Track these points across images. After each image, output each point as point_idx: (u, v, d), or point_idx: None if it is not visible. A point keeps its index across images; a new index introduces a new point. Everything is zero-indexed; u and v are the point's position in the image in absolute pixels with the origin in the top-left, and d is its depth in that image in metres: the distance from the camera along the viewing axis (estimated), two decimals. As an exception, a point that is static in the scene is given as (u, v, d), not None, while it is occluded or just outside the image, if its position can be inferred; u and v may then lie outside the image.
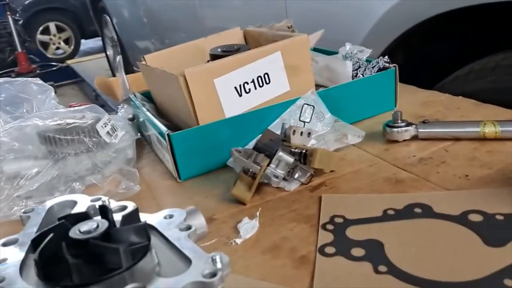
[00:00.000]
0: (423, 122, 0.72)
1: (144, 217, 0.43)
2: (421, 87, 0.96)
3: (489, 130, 0.67)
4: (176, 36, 2.14)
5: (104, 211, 0.40)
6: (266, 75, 0.76)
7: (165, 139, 0.71)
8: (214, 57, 0.82)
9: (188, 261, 0.38)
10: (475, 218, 0.53)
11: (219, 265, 0.37)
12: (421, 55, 1.11)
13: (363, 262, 0.49)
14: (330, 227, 0.55)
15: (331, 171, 0.68)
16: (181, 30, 2.16)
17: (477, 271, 0.45)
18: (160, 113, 0.90)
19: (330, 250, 0.51)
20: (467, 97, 0.86)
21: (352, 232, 0.54)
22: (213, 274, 0.36)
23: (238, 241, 0.56)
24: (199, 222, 0.46)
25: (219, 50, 0.84)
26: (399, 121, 0.72)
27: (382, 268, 0.47)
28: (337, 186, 0.65)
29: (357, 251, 0.50)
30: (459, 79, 0.96)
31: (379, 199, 0.60)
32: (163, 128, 0.72)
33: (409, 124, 0.72)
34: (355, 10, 1.14)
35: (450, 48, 1.10)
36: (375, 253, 0.50)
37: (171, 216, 0.45)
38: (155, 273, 0.37)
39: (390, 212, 0.56)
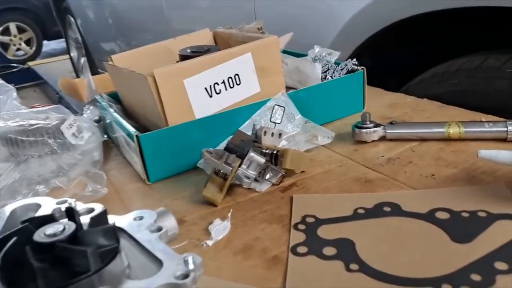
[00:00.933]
0: (391, 123, 0.74)
1: (113, 219, 0.42)
2: (387, 90, 0.98)
3: (454, 131, 0.69)
4: (142, 38, 2.10)
5: (71, 213, 0.39)
6: (236, 76, 0.75)
7: (133, 140, 0.69)
8: (183, 57, 0.81)
9: (159, 263, 0.37)
10: (442, 215, 0.54)
11: (191, 266, 0.36)
12: (387, 59, 1.14)
13: (335, 261, 0.49)
14: (301, 227, 0.55)
15: (302, 171, 0.68)
16: (148, 31, 2.12)
17: (445, 267, 0.46)
18: (128, 114, 0.88)
19: (302, 249, 0.51)
20: (432, 99, 0.88)
21: (324, 232, 0.54)
22: (186, 275, 0.35)
23: (209, 242, 0.55)
24: (170, 223, 0.45)
25: (188, 50, 0.83)
26: (368, 122, 0.73)
27: (354, 266, 0.48)
28: (308, 186, 0.65)
29: (329, 250, 0.51)
30: (423, 82, 0.99)
31: (349, 198, 0.60)
32: (131, 129, 0.71)
33: (377, 125, 0.73)
34: (323, 14, 1.16)
35: (415, 52, 1.13)
36: (346, 251, 0.50)
37: (141, 218, 0.44)
38: (125, 276, 0.36)
39: (360, 211, 0.57)
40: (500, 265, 0.45)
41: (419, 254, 0.48)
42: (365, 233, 0.53)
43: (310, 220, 0.56)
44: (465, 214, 0.53)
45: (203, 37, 0.97)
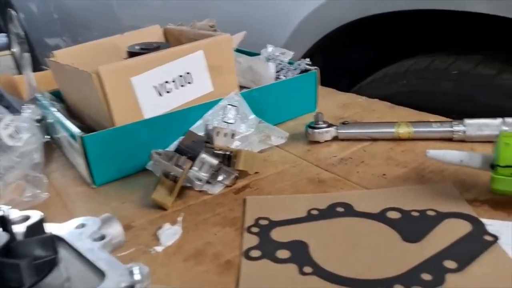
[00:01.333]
0: (343, 123, 0.74)
1: (52, 227, 0.39)
2: (339, 90, 0.99)
3: (403, 131, 0.71)
4: (89, 34, 2.02)
5: (3, 222, 0.36)
6: (188, 75, 0.73)
7: (77, 141, 0.65)
8: (131, 54, 0.78)
9: (102, 274, 0.35)
10: (393, 215, 0.54)
11: (137, 277, 0.34)
12: (339, 59, 1.15)
13: (288, 264, 0.48)
14: (255, 230, 0.54)
15: (255, 172, 0.67)
16: (95, 28, 2.05)
17: (397, 267, 0.46)
18: (71, 114, 0.83)
19: (255, 253, 0.50)
20: (382, 99, 0.90)
21: (277, 234, 0.53)
22: (131, 287, 0.33)
23: (159, 248, 0.52)
24: (115, 230, 0.43)
25: (137, 47, 0.80)
26: (321, 123, 0.73)
27: (307, 269, 0.47)
28: (262, 187, 0.64)
29: (283, 253, 0.50)
30: (374, 82, 1.01)
31: (303, 199, 0.60)
32: (75, 130, 0.67)
33: (330, 125, 0.74)
34: (276, 14, 1.15)
35: (366, 53, 1.15)
36: (300, 254, 0.49)
37: (83, 226, 0.41)
38: (64, 290, 0.33)
39: (314, 212, 0.56)
40: (449, 264, 0.45)
41: (372, 255, 0.48)
42: (319, 235, 0.52)
43: (263, 222, 0.55)
44: (415, 213, 0.54)
45: (153, 33, 0.93)
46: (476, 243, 0.48)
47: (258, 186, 0.64)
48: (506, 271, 0.44)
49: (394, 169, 0.65)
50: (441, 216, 0.53)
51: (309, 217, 0.56)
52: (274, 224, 0.55)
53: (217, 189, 0.64)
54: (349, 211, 0.56)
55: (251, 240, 0.52)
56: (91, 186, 0.68)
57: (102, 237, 0.40)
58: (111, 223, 0.43)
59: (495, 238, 0.48)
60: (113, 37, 0.90)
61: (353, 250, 0.49)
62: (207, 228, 0.56)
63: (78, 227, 0.41)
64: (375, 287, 0.44)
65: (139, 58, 0.70)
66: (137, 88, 0.69)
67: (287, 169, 0.68)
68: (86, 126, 0.76)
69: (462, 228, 0.51)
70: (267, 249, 0.51)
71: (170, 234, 0.54)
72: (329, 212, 0.56)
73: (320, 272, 0.47)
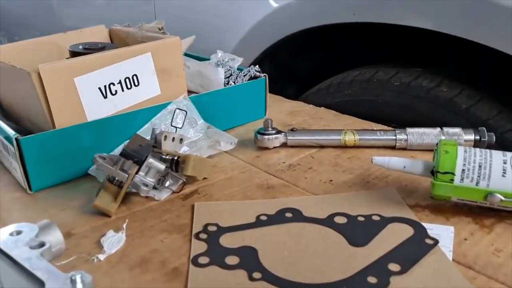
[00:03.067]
0: (292, 130, 0.75)
1: (-18, 235, 0.36)
2: (286, 98, 1.00)
3: (349, 138, 0.73)
4: (28, 34, 1.91)
5: None
6: (134, 77, 0.71)
7: (12, 144, 0.61)
8: (74, 54, 0.74)
9: (41, 284, 0.32)
10: (340, 220, 0.55)
11: (79, 286, 0.32)
12: (287, 67, 1.17)
13: (237, 270, 0.47)
14: (203, 236, 0.53)
15: (204, 178, 0.65)
16: (34, 27, 1.95)
17: (344, 270, 0.47)
18: (6, 115, 0.78)
19: (203, 260, 0.49)
20: (328, 108, 0.92)
21: (226, 240, 0.52)
22: (73, 297, 0.31)
23: (102, 257, 0.50)
24: (54, 237, 0.40)
25: (80, 47, 0.77)
26: (270, 129, 0.74)
27: (257, 275, 0.47)
28: (210, 193, 0.63)
29: (232, 259, 0.49)
30: (320, 91, 1.03)
31: (252, 205, 0.59)
32: (10, 132, 0.62)
33: (278, 132, 0.74)
34: (225, 20, 1.15)
35: (313, 62, 1.18)
36: (249, 260, 0.49)
37: (19, 233, 0.38)
38: (-3, 303, 0.31)
39: (263, 217, 0.56)
40: (394, 267, 0.47)
41: (320, 259, 0.49)
42: (268, 240, 0.52)
43: (212, 228, 0.54)
44: (361, 218, 0.55)
45: (98, 34, 0.90)
46: (418, 247, 0.50)
47: (207, 192, 0.63)
48: (446, 272, 0.46)
49: (341, 175, 0.66)
50: (385, 221, 0.55)
51: (258, 223, 0.55)
52: (223, 230, 0.54)
53: (164, 195, 0.62)
54: (298, 216, 0.57)
55: (199, 246, 0.51)
56: (28, 192, 0.64)
57: (41, 245, 0.37)
58: (50, 229, 0.41)
59: (436, 241, 0.50)
60: (55, 35, 0.85)
61: (302, 255, 0.50)
62: (154, 235, 0.54)
63: (13, 234, 0.38)
64: (324, 291, 0.44)
65: (84, 58, 0.67)
66: (81, 89, 0.66)
67: (236, 175, 0.67)
68: (23, 129, 0.72)
69: (405, 232, 0.52)
70: (216, 255, 0.50)
71: (114, 241, 0.52)
72: (278, 218, 0.56)
73: (269, 278, 0.46)
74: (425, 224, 0.53)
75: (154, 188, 0.61)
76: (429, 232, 0.52)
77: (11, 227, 0.39)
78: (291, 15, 1.01)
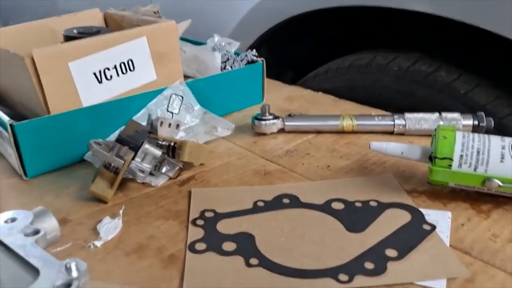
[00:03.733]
0: (289, 115, 0.74)
1: (-24, 222, 0.36)
2: (284, 83, 0.99)
3: (347, 123, 0.72)
4: (22, 19, 1.89)
5: None
6: (130, 62, 0.70)
7: (7, 130, 0.60)
8: (68, 38, 0.73)
9: (35, 271, 0.32)
10: (337, 206, 0.55)
11: (74, 274, 0.32)
12: (284, 52, 1.15)
13: (234, 257, 0.47)
14: (200, 222, 0.53)
15: (201, 164, 0.65)
16: (28, 11, 1.92)
17: (341, 256, 0.47)
18: (1, 100, 0.77)
19: (200, 246, 0.49)
20: (326, 93, 0.91)
21: (223, 226, 0.52)
22: (68, 285, 0.31)
23: (98, 243, 0.50)
24: (49, 224, 0.40)
25: (75, 31, 0.75)
26: (267, 115, 0.73)
27: (254, 261, 0.47)
28: (207, 179, 0.62)
29: (229, 246, 0.49)
30: (318, 76, 1.02)
31: (249, 191, 0.59)
32: (5, 118, 0.62)
33: (276, 117, 0.74)
34: (222, 4, 1.14)
35: (311, 47, 1.16)
36: (246, 246, 0.49)
37: (13, 220, 0.38)
38: (-9, 290, 0.30)
39: (260, 203, 0.56)
40: (391, 252, 0.47)
41: (317, 245, 0.49)
42: (265, 226, 0.52)
43: (209, 214, 0.54)
44: (358, 204, 0.55)
45: (93, 17, 0.88)
46: (416, 232, 0.50)
47: (204, 178, 0.63)
48: (443, 258, 0.46)
49: (338, 161, 0.66)
50: (383, 207, 0.54)
51: (255, 209, 0.55)
52: (220, 216, 0.54)
53: (160, 181, 0.61)
54: (295, 202, 0.56)
55: (196, 232, 0.51)
56: (23, 178, 0.63)
57: (36, 232, 0.37)
58: (45, 216, 0.40)
59: (433, 227, 0.50)
60: (49, 19, 0.84)
61: (299, 241, 0.50)
62: (150, 222, 0.54)
63: (7, 221, 0.38)
64: (321, 277, 0.44)
65: (78, 42, 0.66)
66: (75, 74, 0.65)
67: (233, 161, 0.67)
68: (17, 114, 0.71)
69: (402, 218, 0.52)
70: (213, 241, 0.49)
71: (110, 228, 0.52)
72: (275, 204, 0.56)
73: (266, 264, 0.46)
74: (422, 210, 0.53)
75: (151, 174, 0.60)
76: (427, 217, 0.52)
77: (6, 214, 0.38)
78: (289, -1, 1.00)
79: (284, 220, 0.53)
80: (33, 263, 0.33)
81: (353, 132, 0.73)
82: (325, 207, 0.55)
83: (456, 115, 0.70)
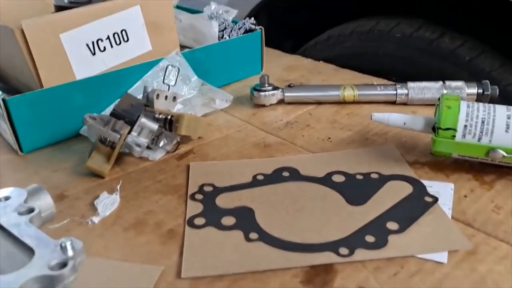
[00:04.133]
0: (289, 86, 0.73)
1: (-32, 201, 0.35)
2: (284, 52, 0.97)
3: (348, 93, 0.70)
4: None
5: None
6: (123, 32, 0.67)
7: (0, 105, 0.59)
8: (59, 9, 0.70)
9: (30, 251, 0.31)
10: (338, 179, 0.54)
11: (70, 253, 0.31)
12: (284, 20, 1.12)
13: (234, 231, 0.47)
14: (199, 196, 0.52)
15: (199, 137, 0.64)
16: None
17: (342, 230, 0.46)
18: (-5, 74, 0.75)
19: (199, 221, 0.48)
20: (327, 61, 0.89)
21: (222, 201, 0.51)
22: (63, 264, 0.30)
23: (96, 219, 0.49)
24: (44, 202, 0.39)
25: (66, 1, 0.73)
26: (266, 85, 0.71)
27: (253, 235, 0.46)
28: (206, 153, 0.61)
29: (228, 220, 0.48)
30: (319, 44, 1.00)
31: (248, 164, 0.58)
32: (-3, 92, 0.60)
33: (275, 88, 0.72)
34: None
35: (311, 14, 1.13)
36: (245, 220, 0.48)
37: (7, 198, 0.37)
38: (-15, 272, 0.30)
39: (260, 177, 0.55)
40: (392, 225, 0.46)
41: (317, 219, 0.48)
42: (265, 200, 0.51)
43: (208, 189, 0.53)
44: (359, 177, 0.54)
45: (84, -14, 0.85)
46: (417, 205, 0.49)
47: (202, 151, 0.62)
48: (445, 230, 0.45)
49: (339, 133, 0.65)
50: (384, 179, 0.54)
51: (254, 183, 0.54)
52: (219, 190, 0.53)
53: (158, 155, 0.61)
54: (295, 175, 0.56)
55: (195, 207, 0.50)
56: (19, 153, 0.62)
57: (30, 210, 0.36)
58: (40, 194, 0.39)
59: (435, 199, 0.49)
60: (38, -12, 0.81)
61: (299, 215, 0.49)
62: (148, 196, 0.53)
63: (1, 200, 0.37)
64: (321, 251, 0.44)
65: (68, 12, 0.63)
66: (67, 45, 0.63)
67: (232, 134, 0.66)
68: (11, 88, 0.69)
69: (404, 190, 0.51)
70: (212, 216, 0.49)
71: (108, 203, 0.51)
72: (275, 177, 0.55)
73: (266, 238, 0.46)
74: (424, 182, 0.52)
75: (148, 148, 0.59)
76: (429, 189, 0.51)
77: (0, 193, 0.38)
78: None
79: (284, 193, 0.53)
80: (28, 242, 0.32)
81: (354, 102, 0.71)
82: (326, 180, 0.54)
83: (460, 83, 0.68)
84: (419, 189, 0.51)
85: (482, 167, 0.54)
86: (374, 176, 0.54)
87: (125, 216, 0.50)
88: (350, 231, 0.46)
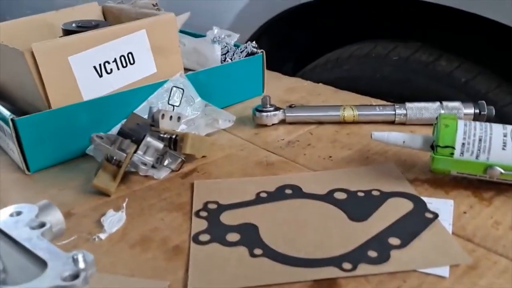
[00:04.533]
0: (290, 106, 0.74)
1: (-18, 216, 0.36)
2: (284, 74, 0.99)
3: (348, 114, 0.72)
4: (19, 13, 1.88)
5: None
6: (130, 55, 0.70)
7: (8, 125, 0.60)
8: (67, 32, 0.73)
9: (43, 263, 0.32)
10: (340, 196, 0.55)
11: (81, 265, 0.32)
12: (284, 43, 1.15)
13: (238, 247, 0.48)
14: (203, 214, 0.53)
15: (203, 156, 0.65)
16: (25, 5, 1.91)
17: (344, 245, 0.47)
18: (1, 95, 0.77)
19: (204, 237, 0.49)
20: (326, 84, 0.91)
21: (227, 218, 0.52)
22: (75, 276, 0.31)
23: (102, 236, 0.50)
24: (54, 217, 0.40)
25: (74, 25, 0.75)
26: (268, 106, 0.73)
27: (258, 251, 0.47)
28: (209, 171, 0.62)
29: (232, 236, 0.49)
30: (318, 67, 1.02)
31: (251, 182, 0.59)
32: (6, 113, 0.62)
33: (277, 108, 0.74)
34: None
35: (311, 37, 1.16)
36: (250, 236, 0.49)
37: (19, 213, 0.38)
38: (1, 282, 0.31)
39: (263, 194, 0.56)
40: (394, 241, 0.47)
41: (320, 234, 0.49)
42: (268, 217, 0.52)
43: (212, 206, 0.54)
44: (360, 194, 0.56)
45: (91, 11, 0.88)
46: (418, 221, 0.50)
47: (206, 170, 0.63)
48: (445, 245, 0.46)
49: (340, 151, 0.66)
50: (385, 196, 0.55)
51: (258, 200, 0.55)
52: (223, 207, 0.54)
53: (163, 174, 0.62)
54: (298, 192, 0.57)
55: (199, 224, 0.51)
56: (26, 173, 0.64)
57: (41, 225, 0.37)
58: (50, 210, 0.40)
59: (436, 215, 0.50)
60: (46, 13, 0.84)
61: (302, 231, 0.50)
62: (154, 214, 0.54)
63: (13, 215, 0.38)
64: (324, 266, 0.45)
65: (77, 36, 0.66)
66: (76, 68, 0.65)
67: (235, 153, 0.67)
68: (19, 109, 0.71)
69: (404, 206, 0.52)
70: (217, 232, 0.50)
71: (114, 220, 0.52)
72: (278, 194, 0.56)
73: (271, 254, 0.47)
74: (424, 198, 0.53)
75: (153, 167, 0.60)
76: (429, 206, 0.52)
77: (11, 208, 0.38)
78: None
79: (287, 210, 0.54)
80: (40, 255, 0.33)
81: (354, 122, 0.73)
82: (328, 197, 0.55)
83: (457, 103, 0.70)
84: (420, 206, 0.52)
85: (481, 184, 0.55)
86: (375, 193, 0.55)
87: (131, 233, 0.51)
88: (353, 246, 0.47)
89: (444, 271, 0.43)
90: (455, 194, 0.54)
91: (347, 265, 0.44)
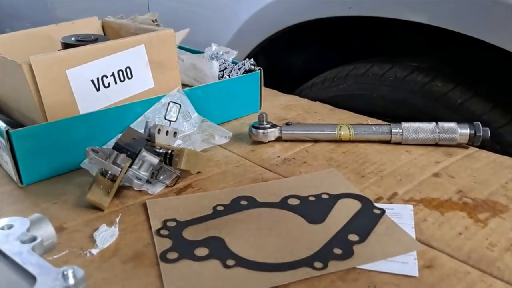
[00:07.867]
0: (286, 124, 0.75)
1: (-28, 229, 0.35)
2: (281, 92, 1.00)
3: (344, 132, 0.72)
4: (19, 26, 1.89)
5: None
6: (128, 69, 0.70)
7: (3, 137, 0.60)
8: (66, 46, 0.73)
9: (32, 278, 0.32)
10: (293, 202, 0.58)
11: (71, 281, 0.31)
12: (282, 61, 1.16)
13: (210, 260, 0.47)
14: (164, 232, 0.52)
15: (198, 172, 0.65)
16: (26, 18, 1.92)
17: (310, 247, 0.49)
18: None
19: (172, 255, 0.48)
20: (323, 102, 0.92)
21: (190, 233, 0.52)
22: (65, 292, 0.30)
23: (94, 251, 0.49)
24: (46, 231, 0.39)
25: (73, 39, 0.75)
26: (265, 123, 0.73)
27: (230, 262, 0.47)
28: (204, 187, 0.62)
29: (201, 251, 0.49)
30: (315, 85, 1.03)
31: (205, 197, 0.59)
32: (1, 125, 0.61)
33: (273, 125, 0.74)
34: (220, 13, 1.14)
35: (307, 56, 1.17)
36: (218, 249, 0.49)
37: (10, 227, 0.38)
38: (-13, 298, 0.30)
39: (219, 208, 0.57)
40: (353, 237, 0.50)
41: (285, 240, 0.51)
42: (231, 228, 0.53)
43: (171, 224, 0.53)
44: (312, 198, 0.58)
45: (91, 25, 0.89)
46: (369, 217, 0.54)
47: (201, 186, 0.63)
48: (398, 236, 0.50)
49: (336, 170, 0.66)
50: (334, 198, 0.58)
51: (216, 214, 0.56)
52: (183, 224, 0.54)
53: (157, 189, 0.61)
54: (253, 203, 0.58)
55: (163, 242, 0.50)
56: (19, 185, 0.63)
57: (32, 239, 0.37)
58: (42, 223, 0.40)
59: (383, 211, 0.54)
60: (47, 27, 0.84)
61: (267, 238, 0.51)
62: (147, 230, 0.53)
63: (3, 228, 0.37)
64: (298, 267, 0.46)
65: (76, 49, 0.66)
66: (73, 81, 0.65)
67: (230, 169, 0.67)
68: (15, 121, 0.71)
69: (354, 205, 0.56)
70: (184, 249, 0.49)
71: (106, 236, 0.51)
72: (234, 206, 0.57)
73: (244, 263, 0.47)
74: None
75: (148, 182, 0.60)
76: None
77: (2, 221, 0.38)
78: (287, 8, 1.01)
79: (248, 220, 0.54)
80: (30, 270, 0.32)
81: (350, 141, 0.73)
82: (283, 204, 0.57)
83: (452, 124, 0.70)
84: (367, 204, 0.56)
85: (476, 205, 0.55)
86: (324, 196, 0.58)
87: (123, 248, 0.50)
88: (318, 246, 0.49)
89: (413, 270, 0.45)
90: (450, 215, 0.54)
91: (318, 264, 0.46)
